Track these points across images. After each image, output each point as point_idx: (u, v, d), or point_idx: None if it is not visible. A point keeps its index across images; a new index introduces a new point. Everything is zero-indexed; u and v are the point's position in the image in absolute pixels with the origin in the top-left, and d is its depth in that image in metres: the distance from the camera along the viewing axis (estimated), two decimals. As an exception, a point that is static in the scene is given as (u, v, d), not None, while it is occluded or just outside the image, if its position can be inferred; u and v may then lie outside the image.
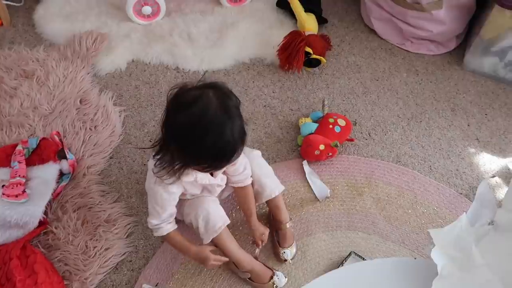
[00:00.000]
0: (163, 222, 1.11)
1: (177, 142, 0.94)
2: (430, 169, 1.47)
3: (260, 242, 1.21)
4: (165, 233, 1.12)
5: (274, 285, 1.19)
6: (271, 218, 1.31)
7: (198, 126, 0.90)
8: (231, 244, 1.18)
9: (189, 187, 1.09)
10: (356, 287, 0.69)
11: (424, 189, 1.42)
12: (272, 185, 1.22)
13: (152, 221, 1.11)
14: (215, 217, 1.12)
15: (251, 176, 1.18)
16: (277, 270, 1.22)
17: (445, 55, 1.82)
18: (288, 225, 1.25)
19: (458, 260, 0.73)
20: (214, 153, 0.93)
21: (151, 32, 1.80)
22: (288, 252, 1.25)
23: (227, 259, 1.15)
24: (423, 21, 1.71)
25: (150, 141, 1.51)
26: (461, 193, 1.41)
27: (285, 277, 1.22)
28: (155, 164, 1.01)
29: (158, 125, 1.53)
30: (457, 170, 1.47)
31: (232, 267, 1.22)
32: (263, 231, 1.21)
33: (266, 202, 1.26)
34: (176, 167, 0.98)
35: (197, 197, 1.15)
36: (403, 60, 1.79)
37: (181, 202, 1.14)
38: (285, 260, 1.25)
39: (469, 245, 0.72)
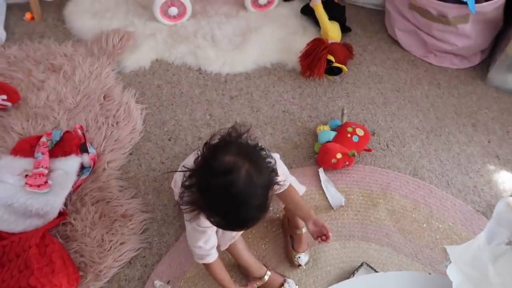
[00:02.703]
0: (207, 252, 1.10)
1: (201, 193, 0.92)
2: (448, 184, 1.46)
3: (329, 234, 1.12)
4: (210, 261, 1.11)
5: None
6: (285, 223, 1.32)
7: (219, 196, 0.88)
8: (244, 251, 1.19)
9: None
10: (369, 299, 0.69)
11: (441, 204, 1.41)
12: (295, 184, 1.22)
13: (195, 250, 1.09)
14: None
15: (286, 178, 1.14)
16: (288, 278, 1.23)
17: (469, 69, 1.80)
18: (304, 230, 1.25)
19: (473, 278, 0.73)
20: (229, 221, 0.92)
21: (176, 32, 1.83)
22: (303, 257, 1.25)
23: None
24: (448, 34, 1.70)
25: (170, 140, 1.54)
26: (478, 211, 1.40)
27: (296, 285, 1.22)
28: (181, 194, 0.98)
29: (178, 125, 1.58)
30: (475, 186, 1.45)
31: (243, 270, 1.23)
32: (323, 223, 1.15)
33: (285, 206, 1.26)
34: (195, 208, 0.96)
35: None
36: (425, 72, 1.78)
37: None
38: (299, 265, 1.25)
39: (486, 264, 0.71)
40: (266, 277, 1.19)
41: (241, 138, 0.95)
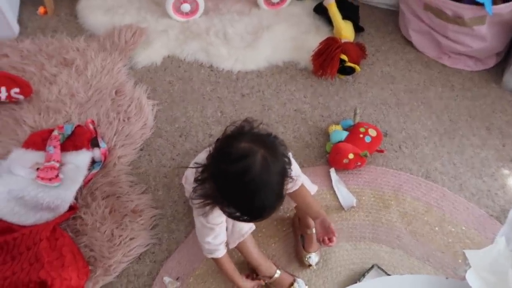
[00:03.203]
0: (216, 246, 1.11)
1: (216, 183, 0.91)
2: (461, 187, 1.44)
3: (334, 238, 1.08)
4: (218, 256, 1.12)
5: None
6: (296, 222, 1.31)
7: (235, 183, 0.88)
8: (254, 250, 1.19)
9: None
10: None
11: (453, 207, 1.39)
12: (307, 183, 1.22)
13: (204, 245, 1.11)
14: (242, 222, 1.12)
15: (298, 176, 1.14)
16: (298, 277, 1.22)
17: (483, 72, 1.77)
18: (315, 230, 1.24)
19: (492, 283, 0.71)
20: (244, 211, 0.91)
21: (188, 29, 1.83)
22: (313, 257, 1.24)
23: None
24: (464, 36, 1.68)
25: (180, 136, 1.53)
26: (491, 215, 1.38)
27: (306, 285, 1.21)
28: (194, 188, 0.98)
29: (189, 121, 1.57)
30: (488, 190, 1.43)
31: (252, 269, 1.23)
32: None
33: (296, 205, 1.25)
34: (207, 202, 0.96)
35: None
36: (439, 74, 1.76)
37: None
38: (309, 266, 1.24)
39: (505, 269, 0.70)
40: (276, 275, 1.18)
41: (254, 129, 0.95)
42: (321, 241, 1.08)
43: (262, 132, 0.95)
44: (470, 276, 0.67)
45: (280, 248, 1.30)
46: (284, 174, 0.91)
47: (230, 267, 1.15)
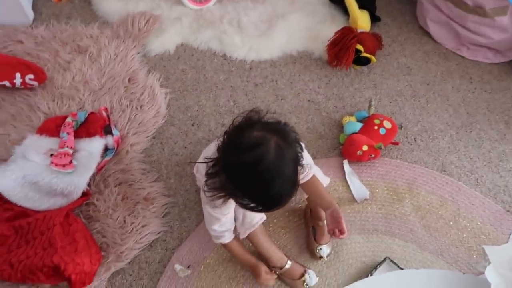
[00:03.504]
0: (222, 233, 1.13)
1: (229, 176, 0.89)
2: (477, 182, 1.41)
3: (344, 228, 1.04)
4: (224, 242, 1.14)
5: (305, 283, 1.19)
6: (308, 213, 1.30)
7: (249, 173, 0.86)
8: (265, 240, 1.18)
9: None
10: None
11: (469, 202, 1.36)
12: (319, 174, 1.21)
13: (210, 232, 1.13)
14: (252, 212, 1.10)
15: (310, 167, 1.13)
16: (309, 268, 1.21)
17: (503, 64, 1.72)
18: (325, 221, 1.23)
19: (510, 280, 0.70)
20: (260, 201, 0.89)
21: (201, 17, 1.81)
22: (325, 249, 1.23)
23: (274, 279, 1.18)
24: (484, 27, 1.63)
25: (193, 125, 1.53)
26: (508, 211, 1.35)
27: (317, 276, 1.20)
28: (205, 181, 0.97)
29: (202, 110, 1.56)
30: (505, 186, 1.40)
31: (263, 260, 1.22)
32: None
33: (308, 196, 1.24)
34: (222, 194, 0.95)
35: None
36: (457, 66, 1.72)
37: None
38: (321, 257, 1.23)
39: (525, 266, 0.68)
40: (287, 266, 1.18)
41: (262, 118, 0.94)
42: (332, 233, 1.06)
43: (272, 120, 0.93)
44: (489, 272, 0.65)
45: (292, 239, 1.29)
46: (297, 161, 0.90)
47: (240, 250, 1.17)
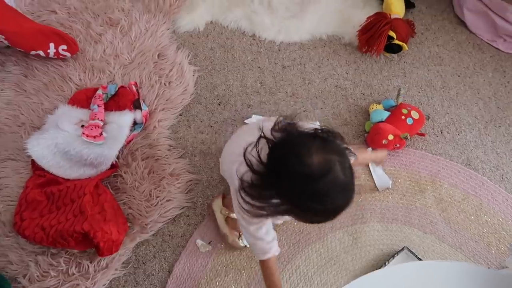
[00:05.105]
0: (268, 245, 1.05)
1: (294, 203, 0.86)
2: (502, 178, 1.40)
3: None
4: (275, 254, 1.06)
5: None
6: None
7: (329, 194, 0.83)
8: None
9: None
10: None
11: (492, 198, 1.36)
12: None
13: (258, 245, 1.05)
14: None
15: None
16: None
17: (540, 59, 1.67)
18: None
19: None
20: (326, 215, 0.87)
21: (232, -5, 1.79)
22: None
23: None
24: (524, 19, 1.57)
25: (219, 104, 1.54)
26: (531, 209, 1.34)
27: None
28: (246, 202, 0.90)
29: (229, 90, 1.57)
30: (531, 184, 1.39)
31: None
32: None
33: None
34: (264, 213, 0.89)
35: None
36: (491, 58, 1.67)
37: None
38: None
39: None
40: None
41: (295, 133, 0.89)
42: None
43: (310, 131, 0.89)
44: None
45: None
46: (350, 165, 0.87)
47: (278, 270, 1.07)
